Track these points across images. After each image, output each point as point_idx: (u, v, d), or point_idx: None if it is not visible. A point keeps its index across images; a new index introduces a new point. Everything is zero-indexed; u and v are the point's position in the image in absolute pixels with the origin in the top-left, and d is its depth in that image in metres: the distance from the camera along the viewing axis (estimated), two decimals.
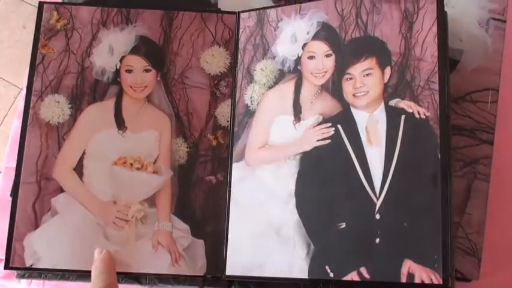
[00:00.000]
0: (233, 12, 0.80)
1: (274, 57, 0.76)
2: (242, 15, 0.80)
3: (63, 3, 0.85)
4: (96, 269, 0.67)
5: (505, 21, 0.77)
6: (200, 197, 0.75)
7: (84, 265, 0.72)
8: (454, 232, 0.70)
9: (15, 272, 0.75)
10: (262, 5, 0.81)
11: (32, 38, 0.79)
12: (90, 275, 0.69)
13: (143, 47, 0.79)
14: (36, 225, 0.74)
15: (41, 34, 0.80)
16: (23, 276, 0.76)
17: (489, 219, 0.73)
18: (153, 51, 0.79)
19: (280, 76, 0.76)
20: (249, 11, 0.79)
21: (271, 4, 0.83)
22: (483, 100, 0.76)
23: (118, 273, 0.70)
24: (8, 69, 0.77)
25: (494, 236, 0.73)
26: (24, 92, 0.78)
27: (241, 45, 0.78)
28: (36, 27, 0.81)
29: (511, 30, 0.78)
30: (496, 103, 0.76)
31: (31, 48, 0.79)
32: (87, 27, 0.80)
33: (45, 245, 0.74)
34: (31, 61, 0.79)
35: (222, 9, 0.84)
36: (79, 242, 0.73)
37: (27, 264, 0.73)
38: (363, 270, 0.65)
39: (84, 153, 0.76)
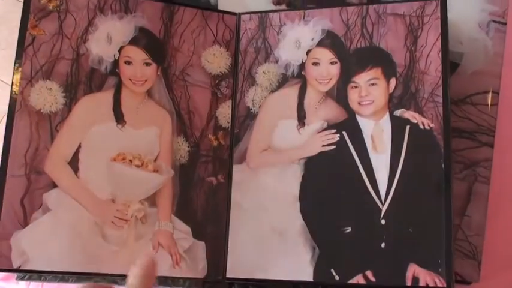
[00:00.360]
0: (234, 13, 0.80)
1: (277, 61, 0.77)
2: (243, 17, 0.79)
3: None
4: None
5: (505, 24, 0.79)
6: (201, 198, 0.74)
7: (80, 267, 0.68)
8: (454, 235, 0.72)
9: (14, 274, 0.70)
10: (262, 8, 0.81)
11: None
12: (89, 277, 0.66)
13: (143, 39, 0.76)
14: (26, 223, 0.69)
15: (30, 13, 0.73)
16: (22, 279, 0.71)
17: (489, 222, 0.75)
18: (153, 44, 0.76)
19: (283, 80, 0.76)
20: (250, 13, 0.79)
21: (271, 7, 0.84)
22: (483, 103, 0.77)
23: (115, 275, 0.69)
24: (5, 70, 0.72)
25: (494, 238, 0.75)
26: None
27: (242, 47, 0.78)
28: (24, 5, 0.74)
29: (511, 32, 0.79)
30: (497, 106, 0.77)
31: None
32: (83, 11, 0.75)
33: (35, 245, 0.69)
34: (19, 41, 0.73)
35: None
36: (74, 242, 0.69)
37: (15, 266, 0.68)
38: (368, 273, 0.67)
39: (79, 146, 0.72)
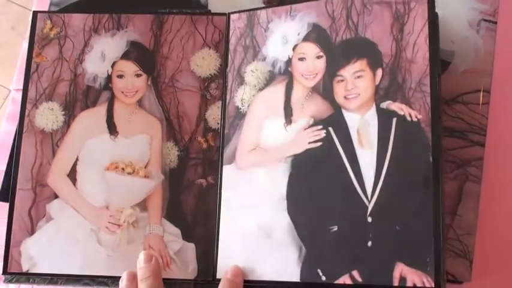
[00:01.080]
0: (223, 14, 0.80)
1: (264, 59, 0.76)
2: (232, 16, 0.79)
3: (56, 11, 0.87)
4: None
5: (496, 23, 0.78)
6: (191, 201, 0.75)
7: (77, 270, 0.73)
8: (445, 234, 0.70)
9: (2, 276, 0.76)
10: (253, 6, 0.81)
11: (20, 39, 0.80)
12: (81, 280, 0.72)
13: (134, 52, 0.79)
14: (33, 231, 0.76)
15: (35, 43, 0.81)
16: (10, 281, 0.76)
17: (480, 221, 0.73)
18: (143, 56, 0.79)
19: (270, 78, 0.75)
20: (239, 12, 0.79)
21: (262, 5, 0.83)
22: (474, 102, 0.76)
23: (108, 277, 0.73)
24: None
25: (485, 237, 0.73)
26: (13, 93, 0.79)
27: (231, 47, 0.78)
28: (30, 36, 0.82)
29: (502, 31, 0.78)
30: (488, 105, 0.76)
31: (20, 52, 0.79)
32: (80, 34, 0.81)
33: (40, 250, 0.75)
34: (26, 70, 0.80)
35: (212, 10, 0.84)
36: (72, 247, 0.74)
37: (24, 270, 0.75)
38: (355, 273, 0.65)
39: (77, 159, 0.77)
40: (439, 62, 0.68)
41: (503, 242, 0.74)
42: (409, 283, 0.62)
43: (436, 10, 0.69)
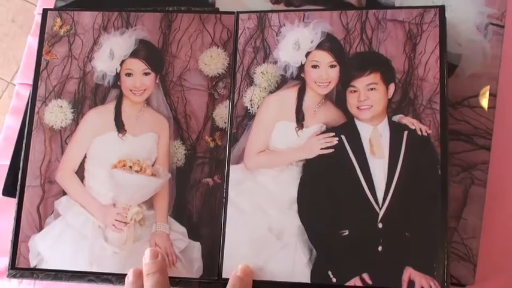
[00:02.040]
0: (232, 13, 0.79)
1: (275, 62, 0.77)
2: (241, 16, 0.79)
3: (64, 8, 0.87)
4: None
5: (503, 27, 0.80)
6: (197, 200, 0.75)
7: (83, 266, 0.73)
8: (450, 237, 0.73)
9: (6, 271, 0.74)
10: (260, 6, 0.82)
11: (20, 31, 0.77)
12: (85, 276, 0.72)
13: (143, 51, 0.79)
14: (41, 227, 0.76)
15: (45, 41, 0.81)
16: (14, 276, 0.74)
17: (485, 225, 0.75)
18: (152, 55, 0.79)
19: (282, 82, 0.76)
20: (249, 12, 0.79)
21: (269, 5, 0.83)
22: (481, 105, 0.78)
23: (113, 274, 0.72)
24: None
25: (490, 241, 0.75)
26: (17, 88, 0.80)
27: (240, 47, 0.78)
28: (40, 34, 0.82)
29: (509, 35, 0.80)
30: (494, 108, 0.78)
31: (23, 46, 0.79)
32: (89, 32, 0.81)
33: (48, 247, 0.75)
34: (35, 68, 0.80)
35: (219, 9, 0.83)
36: (80, 244, 0.74)
37: (32, 265, 0.75)
38: (365, 276, 0.68)
39: (85, 156, 0.77)
40: (447, 80, 0.72)
41: (508, 246, 0.76)
42: (417, 286, 0.67)
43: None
